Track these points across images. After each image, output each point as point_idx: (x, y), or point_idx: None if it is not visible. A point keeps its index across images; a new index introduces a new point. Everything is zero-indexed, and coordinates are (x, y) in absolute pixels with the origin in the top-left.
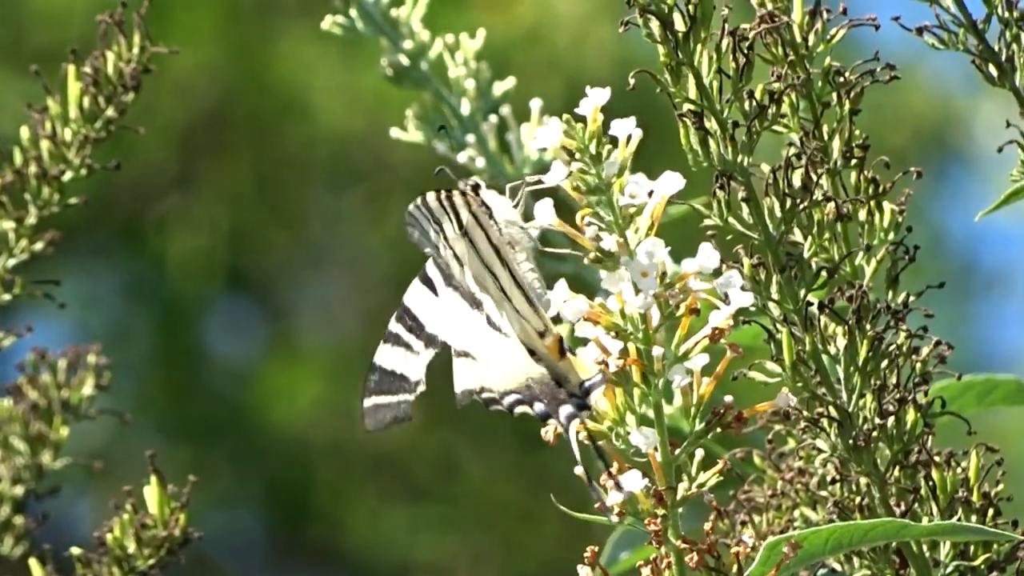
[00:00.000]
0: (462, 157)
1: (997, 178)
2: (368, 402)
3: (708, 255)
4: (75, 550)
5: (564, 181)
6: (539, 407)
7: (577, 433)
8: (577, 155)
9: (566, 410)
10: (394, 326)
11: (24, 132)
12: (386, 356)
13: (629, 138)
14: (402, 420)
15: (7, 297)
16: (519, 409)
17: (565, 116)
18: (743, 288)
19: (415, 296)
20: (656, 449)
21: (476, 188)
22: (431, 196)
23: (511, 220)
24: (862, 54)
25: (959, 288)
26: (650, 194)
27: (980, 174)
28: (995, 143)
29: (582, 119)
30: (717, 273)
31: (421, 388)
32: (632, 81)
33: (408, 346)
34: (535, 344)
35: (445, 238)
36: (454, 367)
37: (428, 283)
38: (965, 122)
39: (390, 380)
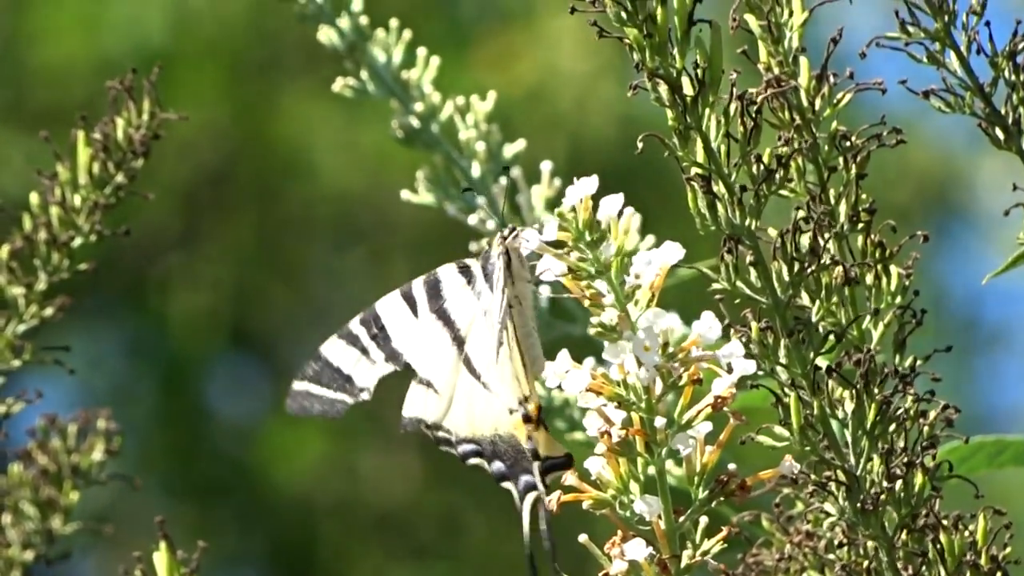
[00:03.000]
0: (472, 219)
1: (999, 235)
2: (299, 386)
3: (710, 325)
4: None
5: (561, 277)
6: (497, 466)
7: (533, 505)
8: (573, 244)
9: (527, 479)
10: (356, 327)
11: (34, 198)
12: (336, 351)
13: (620, 214)
14: (330, 417)
15: (17, 363)
16: (473, 460)
17: (557, 211)
18: (746, 355)
19: (390, 308)
20: (660, 517)
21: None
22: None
23: (524, 277)
24: (866, 112)
25: (961, 344)
26: (649, 265)
27: (982, 231)
28: (997, 200)
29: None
30: (723, 339)
31: (365, 397)
32: (640, 145)
33: (365, 351)
34: (514, 411)
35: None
36: (410, 390)
37: (410, 301)
38: (967, 179)
39: (332, 375)
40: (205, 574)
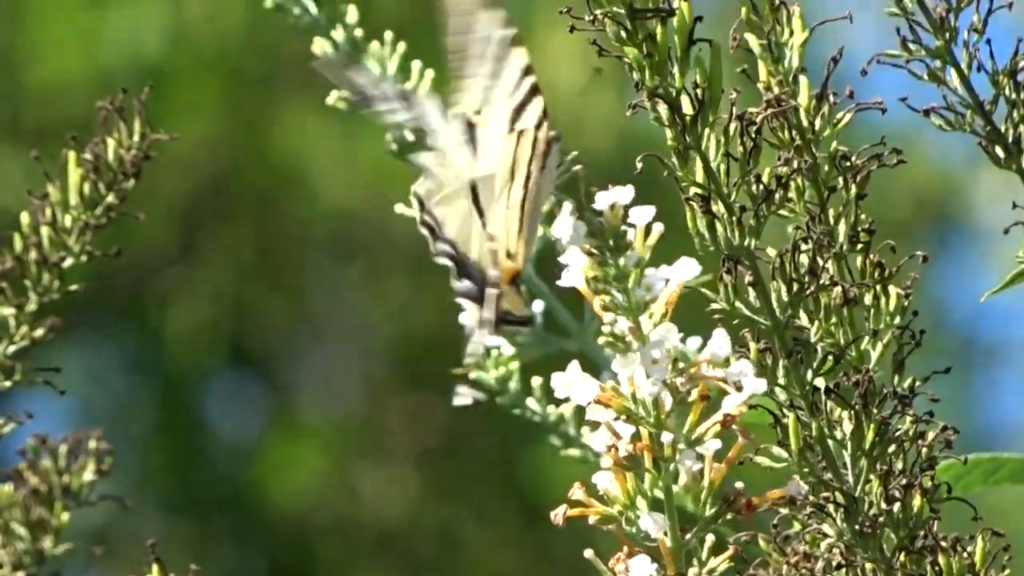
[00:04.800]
0: None
1: (998, 251)
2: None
3: (720, 342)
4: None
5: (580, 277)
6: (465, 284)
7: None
8: (595, 250)
9: (486, 313)
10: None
11: (24, 218)
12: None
13: (648, 227)
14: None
15: (7, 384)
16: (444, 260)
17: (580, 192)
18: (756, 374)
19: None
20: (666, 534)
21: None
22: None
23: (550, 179)
24: (865, 128)
25: (959, 360)
26: (665, 280)
27: (980, 245)
28: (996, 215)
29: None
30: (727, 360)
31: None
32: (639, 165)
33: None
34: (497, 251)
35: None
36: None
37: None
38: (965, 193)
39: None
40: None
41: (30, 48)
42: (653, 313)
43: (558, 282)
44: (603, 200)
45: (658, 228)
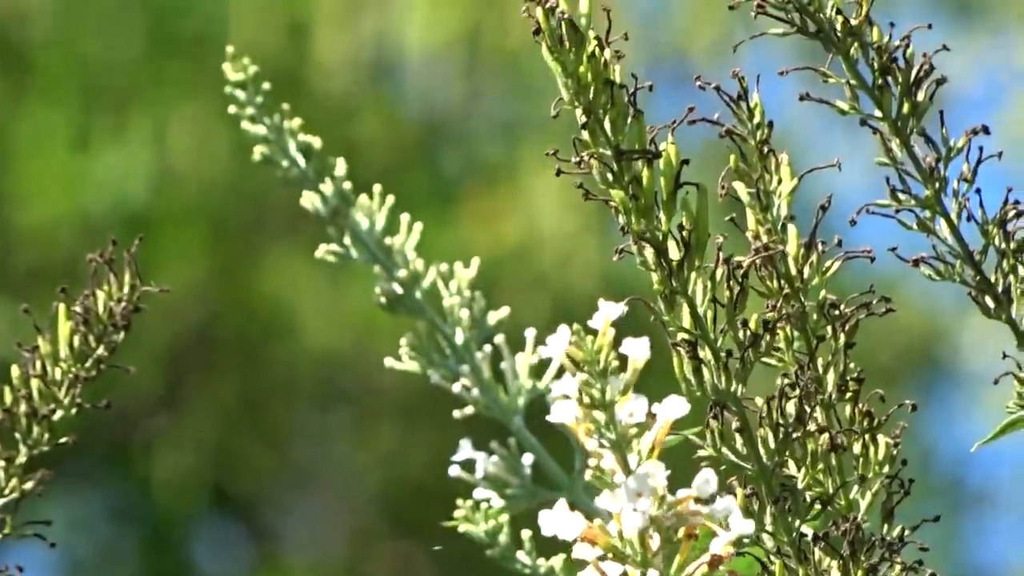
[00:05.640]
0: (456, 387)
1: (985, 394)
2: None
3: (706, 479)
4: None
5: (571, 405)
6: None
7: None
8: (584, 367)
9: None
10: None
11: (14, 371)
12: None
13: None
14: None
15: None
16: None
17: (576, 326)
18: (742, 513)
19: None
20: None
21: None
22: None
23: None
24: (852, 272)
25: (947, 503)
26: (652, 416)
27: (967, 389)
28: (982, 359)
29: (592, 331)
30: (714, 498)
31: None
32: (625, 308)
33: None
34: None
35: None
36: None
37: None
38: (953, 337)
39: None
40: None
41: (16, 193)
42: (640, 450)
43: (547, 417)
44: (596, 319)
45: (644, 356)
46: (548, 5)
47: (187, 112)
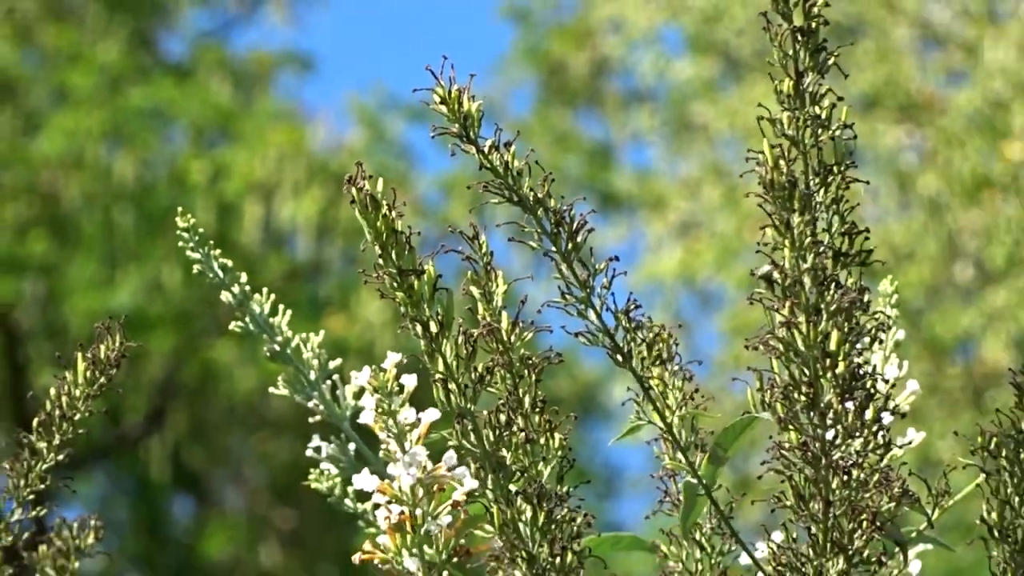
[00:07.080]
0: (311, 404)
1: (621, 413)
2: None
3: (451, 456)
4: None
5: (372, 413)
6: None
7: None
8: (378, 391)
9: None
10: None
11: (52, 391)
12: None
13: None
14: None
15: None
16: None
17: (373, 367)
18: (472, 478)
19: None
20: (419, 570)
21: None
22: None
23: None
24: (540, 342)
25: (600, 479)
26: (419, 420)
27: (615, 412)
28: (620, 392)
29: (384, 370)
30: (454, 468)
31: None
32: (404, 358)
33: None
34: None
35: None
36: None
37: None
38: (606, 390)
39: None
40: None
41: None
42: (412, 439)
43: (358, 420)
44: (386, 363)
45: (414, 384)
46: (358, 186)
47: (160, 254)
